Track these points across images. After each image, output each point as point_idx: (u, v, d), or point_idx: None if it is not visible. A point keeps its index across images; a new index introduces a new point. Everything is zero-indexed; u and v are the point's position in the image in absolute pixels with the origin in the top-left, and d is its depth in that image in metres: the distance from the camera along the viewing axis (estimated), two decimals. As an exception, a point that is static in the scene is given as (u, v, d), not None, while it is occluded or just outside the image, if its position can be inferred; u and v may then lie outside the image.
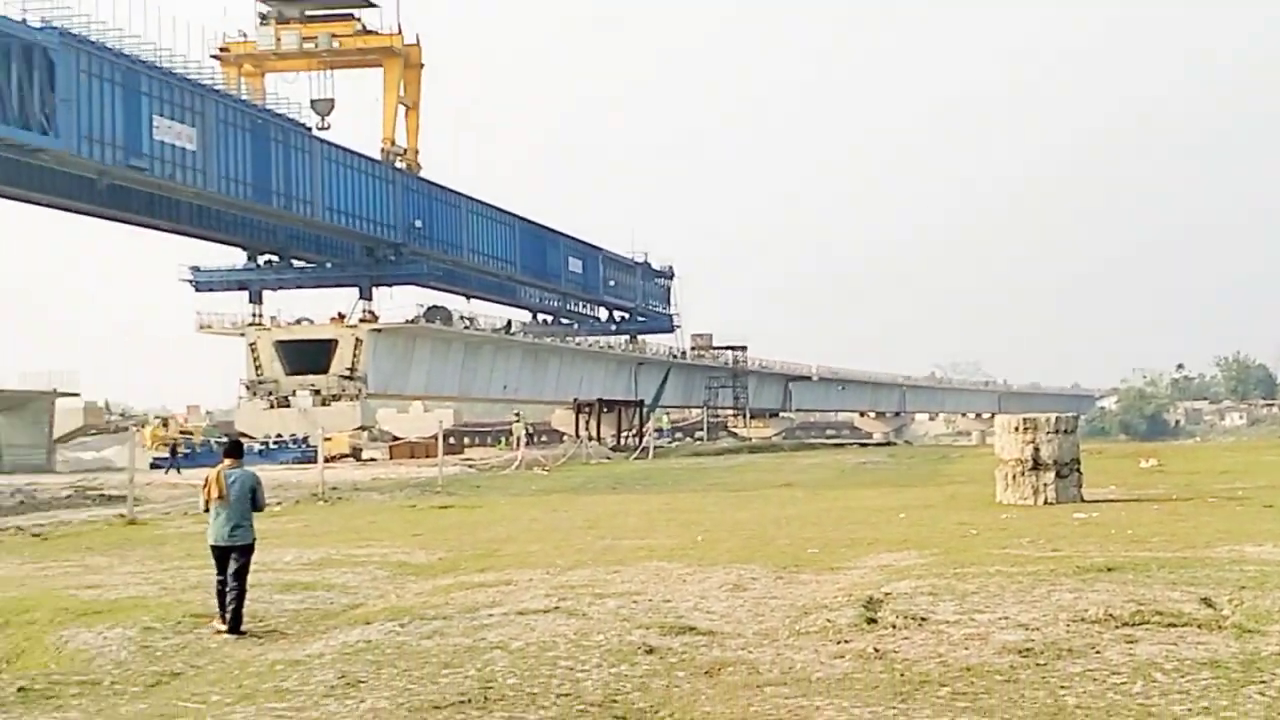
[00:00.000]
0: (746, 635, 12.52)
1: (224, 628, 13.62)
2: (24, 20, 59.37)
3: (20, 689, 11.32)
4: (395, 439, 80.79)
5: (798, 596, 14.97)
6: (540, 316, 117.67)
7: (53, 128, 60.13)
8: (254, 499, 14.20)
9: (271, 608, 15.32)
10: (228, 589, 13.75)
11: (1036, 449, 26.93)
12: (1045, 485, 26.84)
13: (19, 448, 66.20)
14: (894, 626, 12.65)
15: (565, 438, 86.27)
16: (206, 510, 14.34)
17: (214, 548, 14.04)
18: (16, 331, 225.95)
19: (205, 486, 14.21)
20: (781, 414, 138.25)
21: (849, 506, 30.56)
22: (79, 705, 10.71)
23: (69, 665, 12.57)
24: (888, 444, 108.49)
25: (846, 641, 11.99)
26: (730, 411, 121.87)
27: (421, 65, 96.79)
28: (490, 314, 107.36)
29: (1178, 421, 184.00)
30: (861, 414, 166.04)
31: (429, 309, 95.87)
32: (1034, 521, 23.21)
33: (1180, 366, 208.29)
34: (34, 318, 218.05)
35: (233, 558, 13.88)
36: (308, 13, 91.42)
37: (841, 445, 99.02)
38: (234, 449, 15.06)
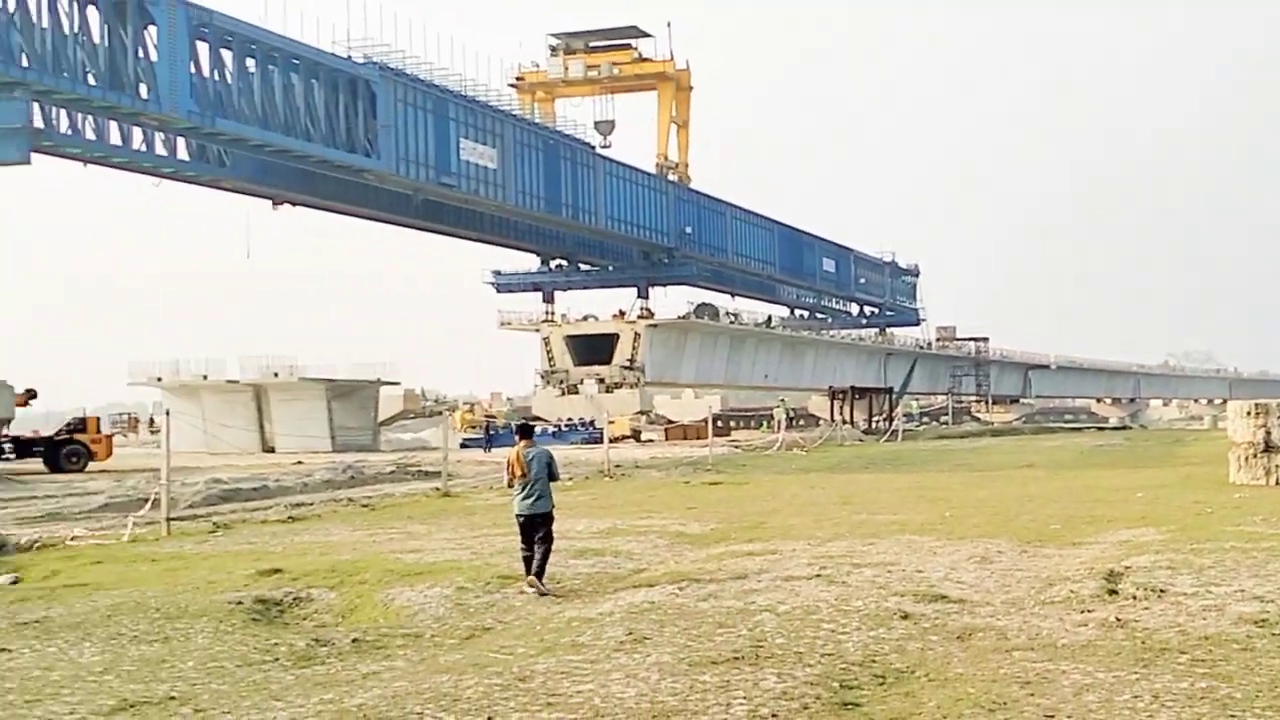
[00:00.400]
0: (995, 604, 12.74)
1: (529, 588, 14.65)
2: (349, 58, 62.83)
3: (354, 640, 12.23)
4: (670, 422, 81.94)
5: (1042, 569, 15.15)
6: (797, 312, 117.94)
7: (375, 151, 63.26)
8: (550, 472, 15.24)
9: (567, 571, 16.05)
10: (535, 550, 14.83)
11: (1268, 432, 26.92)
12: (1276, 466, 26.76)
13: (349, 429, 69.20)
14: (1134, 598, 12.76)
15: (821, 422, 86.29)
16: (510, 487, 15.44)
17: (519, 518, 15.12)
18: (346, 327, 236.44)
19: (508, 467, 15.29)
20: (1021, 400, 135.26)
21: (1088, 486, 30.38)
22: (404, 655, 11.51)
23: (395, 620, 13.37)
24: (1123, 428, 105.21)
25: (1089, 611, 12.14)
26: (973, 398, 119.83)
27: (691, 88, 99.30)
28: (752, 310, 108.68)
29: None
30: (1098, 400, 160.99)
31: (698, 306, 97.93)
32: (1266, 501, 23.02)
33: None
34: (360, 316, 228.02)
35: (537, 525, 14.99)
36: (591, 44, 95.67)
37: (1079, 429, 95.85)
38: (525, 430, 16.27)
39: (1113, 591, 13.24)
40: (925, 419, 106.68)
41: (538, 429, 72.45)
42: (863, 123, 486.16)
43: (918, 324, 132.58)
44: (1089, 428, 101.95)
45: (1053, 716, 8.30)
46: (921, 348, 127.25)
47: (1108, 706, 8.53)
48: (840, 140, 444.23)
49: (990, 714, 8.42)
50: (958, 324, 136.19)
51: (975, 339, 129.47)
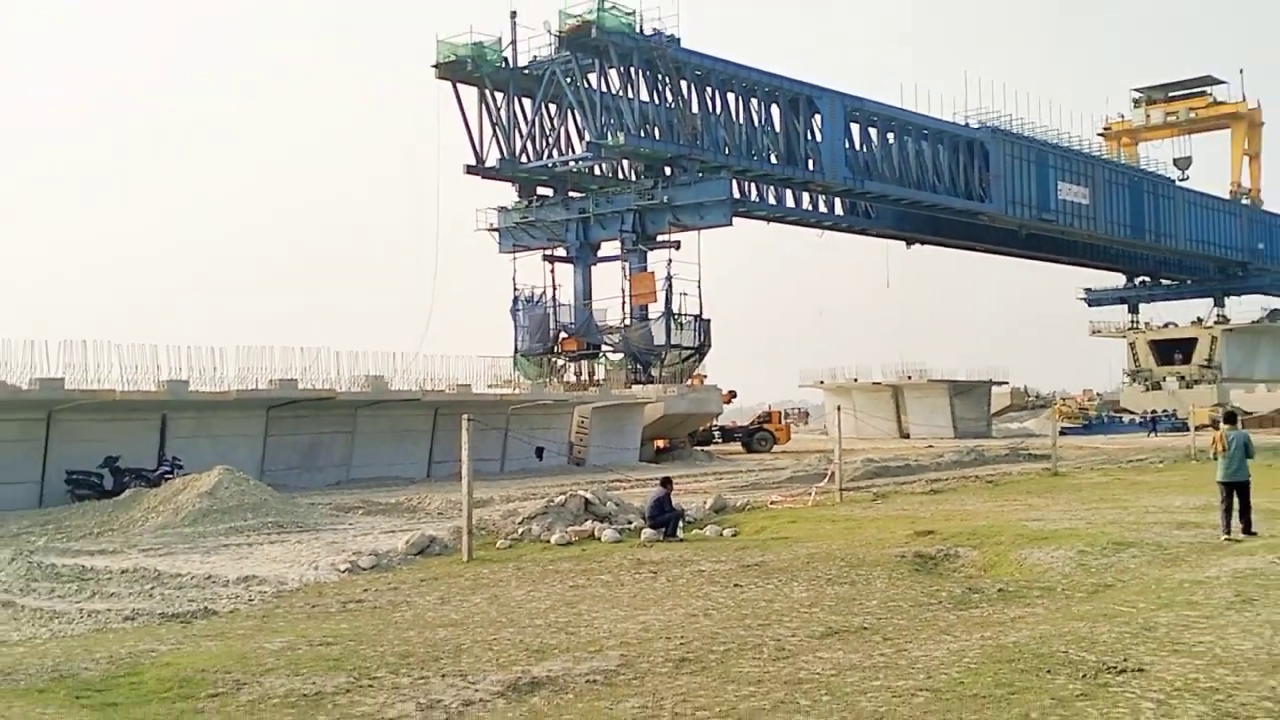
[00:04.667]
0: None
1: (1232, 538, 14.98)
2: (966, 124, 62.95)
3: (999, 590, 12.19)
4: (1247, 414, 74.58)
5: None
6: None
7: (988, 197, 62.99)
8: (1247, 450, 15.55)
9: (1170, 540, 15.12)
10: (1237, 510, 15.35)
11: None
12: None
13: (968, 420, 68.54)
14: None
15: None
16: (1214, 459, 16.05)
17: (1221, 484, 15.53)
18: (961, 344, 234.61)
19: (1213, 443, 15.98)
20: None
21: None
22: (1042, 603, 11.34)
23: (1029, 575, 13.16)
24: None
25: None
26: None
27: (1262, 123, 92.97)
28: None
29: None
30: None
31: (1271, 312, 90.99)
32: None
33: None
34: (976, 336, 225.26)
35: (1235, 490, 15.36)
36: (1170, 94, 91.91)
37: None
38: (1230, 418, 16.58)
39: None
40: None
41: (1122, 418, 68.86)
42: None
43: None
44: None
45: None
46: None
47: None
48: None
49: None
50: None
51: None
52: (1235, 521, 15.36)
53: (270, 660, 9.32)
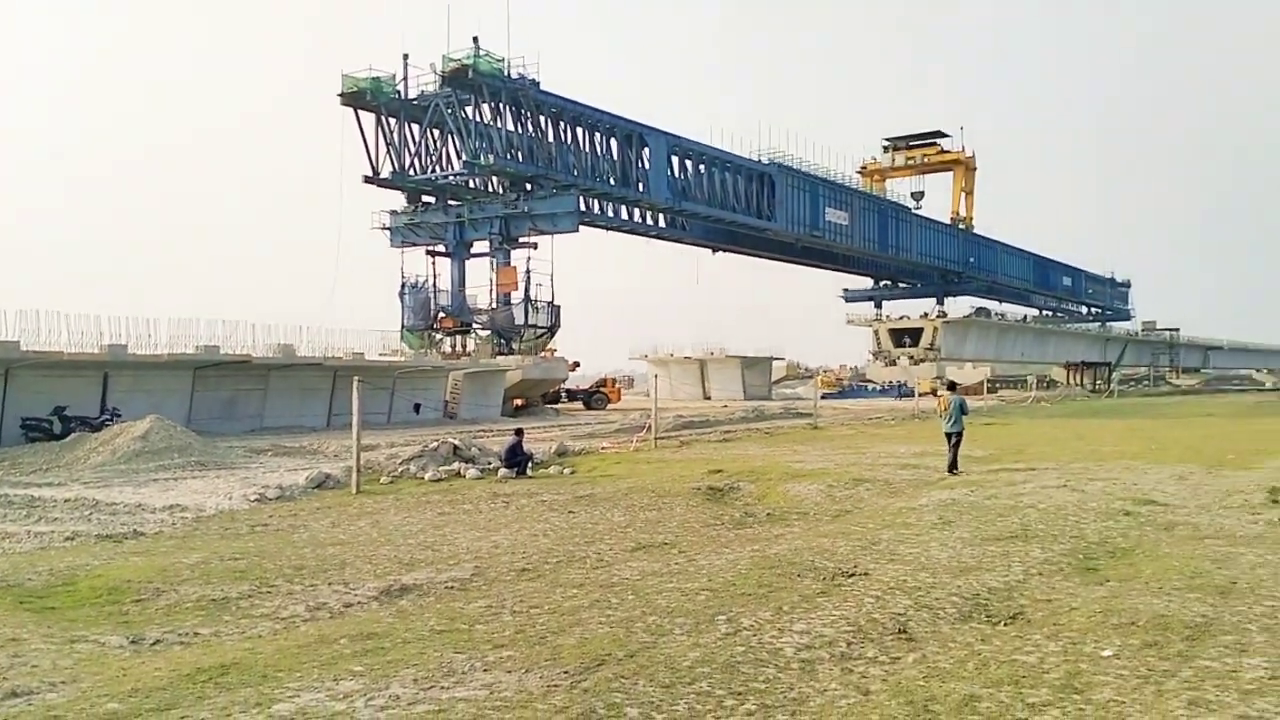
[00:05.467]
0: (1190, 507, 11.88)
1: (956, 473, 16.12)
2: (759, 160, 63.86)
3: (768, 514, 12.53)
4: (960, 384, 78.69)
5: (1222, 485, 13.91)
6: (1044, 312, 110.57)
7: (773, 217, 64.07)
8: (963, 409, 16.82)
9: (895, 478, 15.74)
10: (950, 452, 16.58)
11: None
12: None
13: (755, 386, 70.05)
14: None
15: (1059, 385, 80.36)
16: (940, 416, 17.40)
17: (946, 434, 16.81)
18: (753, 328, 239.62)
19: (939, 403, 17.48)
20: (1201, 370, 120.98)
21: (1252, 428, 27.98)
22: (799, 525, 11.71)
23: (791, 503, 13.54)
24: (1276, 389, 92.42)
25: (1258, 514, 11.20)
26: (1167, 369, 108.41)
27: (975, 168, 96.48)
28: (1013, 310, 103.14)
29: None
30: (1257, 370, 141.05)
31: (976, 310, 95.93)
32: None
33: None
34: (758, 321, 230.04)
35: (952, 438, 16.60)
36: (911, 144, 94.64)
37: (1243, 391, 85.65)
38: (951, 386, 18.27)
39: (1275, 501, 12.13)
40: (1132, 383, 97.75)
41: (867, 387, 71.30)
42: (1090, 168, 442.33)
43: (1129, 319, 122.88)
44: (1252, 389, 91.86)
45: (1235, 583, 7.73)
46: (1131, 335, 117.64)
47: (1275, 577, 7.89)
48: (1082, 181, 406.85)
49: (1190, 579, 7.90)
50: (1157, 318, 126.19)
51: (1170, 329, 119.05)
52: (962, 461, 16.71)
53: (186, 573, 8.93)
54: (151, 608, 7.67)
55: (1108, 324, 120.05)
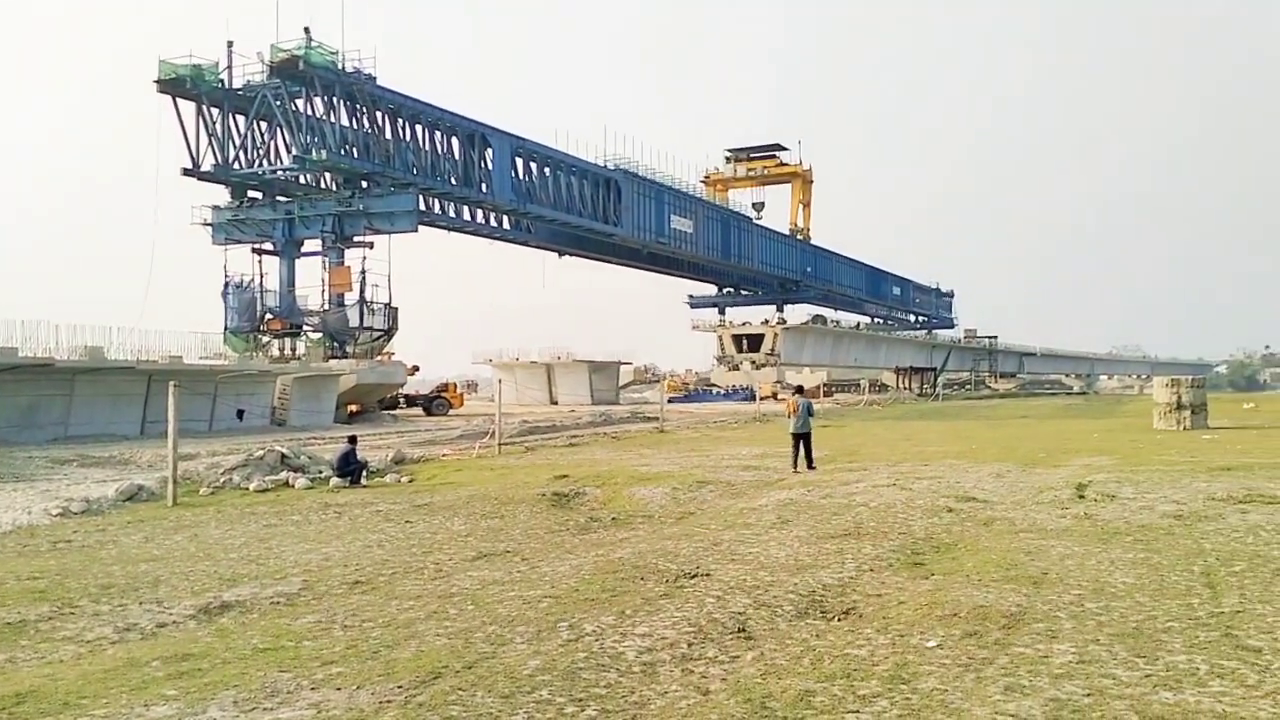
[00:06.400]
0: (1006, 503, 12.54)
1: (798, 472, 16.81)
2: (605, 165, 64.36)
3: (613, 519, 12.55)
4: (796, 388, 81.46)
5: (1035, 482, 14.81)
6: (875, 319, 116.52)
7: (619, 223, 64.67)
8: (810, 411, 17.60)
9: (736, 479, 16.07)
10: (799, 455, 17.33)
11: (1179, 396, 27.78)
12: (1184, 418, 27.47)
13: (602, 390, 70.31)
14: (1095, 500, 12.50)
15: (889, 389, 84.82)
16: (788, 418, 18.05)
17: (792, 435, 17.56)
18: (601, 333, 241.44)
19: (788, 407, 18.11)
20: (1018, 375, 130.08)
21: (1062, 429, 29.90)
22: (643, 528, 11.77)
23: (636, 507, 13.61)
24: (1083, 394, 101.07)
25: (1066, 508, 11.92)
26: (987, 374, 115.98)
27: (812, 181, 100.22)
28: (848, 319, 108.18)
29: (1265, 381, 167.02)
30: (1066, 375, 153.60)
31: (814, 317, 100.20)
32: (1178, 440, 22.84)
33: (1268, 347, 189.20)
34: (607, 325, 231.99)
35: (801, 440, 17.38)
36: (752, 155, 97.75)
37: (1054, 394, 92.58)
38: (799, 390, 18.78)
39: (1081, 496, 13.00)
40: (956, 387, 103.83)
41: (712, 391, 73.06)
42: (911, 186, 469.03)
43: (953, 327, 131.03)
44: (1061, 393, 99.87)
45: (1046, 573, 8.22)
46: (955, 342, 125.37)
47: (1081, 567, 8.43)
48: (903, 197, 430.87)
49: (1006, 571, 8.37)
50: (978, 325, 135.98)
51: (989, 337, 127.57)
52: (802, 461, 17.27)
53: (-26, 597, 8.22)
54: (-67, 636, 7.01)
55: (934, 331, 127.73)
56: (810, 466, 17.16)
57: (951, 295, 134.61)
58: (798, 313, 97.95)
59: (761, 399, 53.67)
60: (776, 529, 10.91)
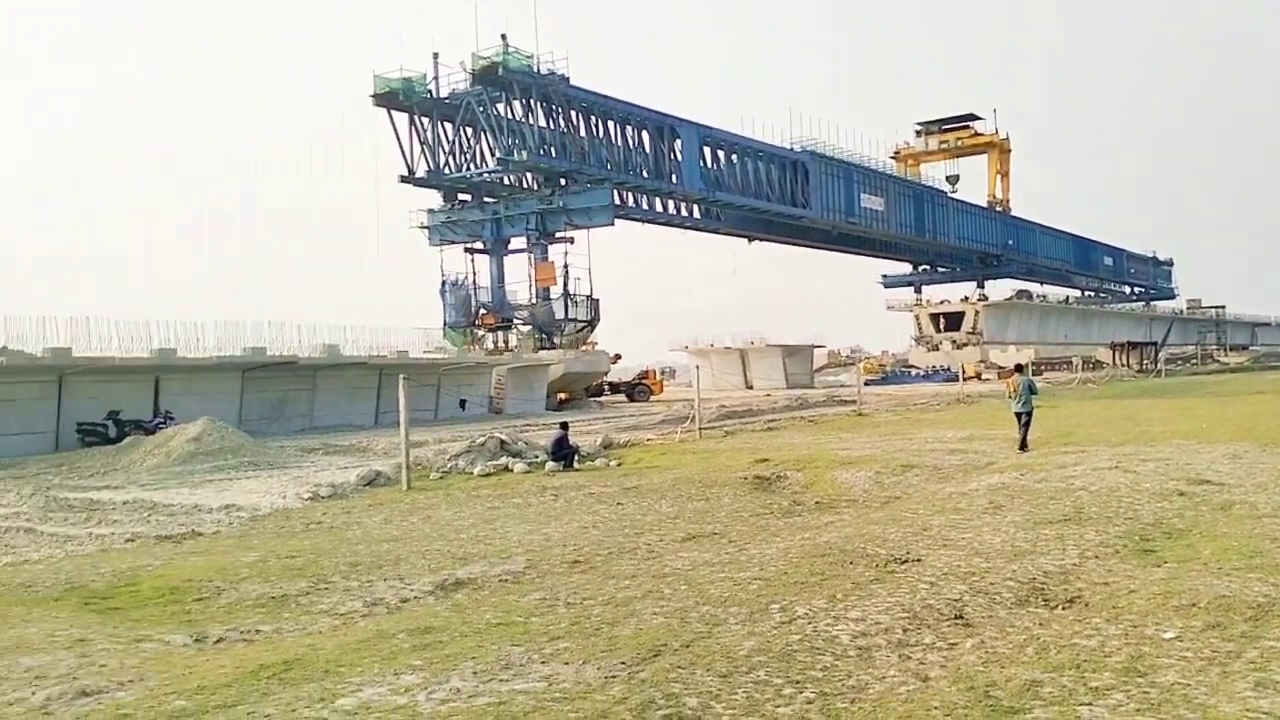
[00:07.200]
0: (1245, 486, 11.59)
1: (1025, 452, 16.51)
2: (792, 148, 63.56)
3: (816, 502, 12.36)
4: (1000, 368, 77.44)
5: (1278, 462, 13.57)
6: (1086, 293, 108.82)
7: (808, 204, 63.75)
8: (1031, 389, 17.48)
9: (943, 463, 15.57)
10: (1019, 431, 17.17)
11: None
12: None
13: (796, 374, 69.66)
14: None
15: (1105, 366, 78.88)
16: (1009, 397, 17.99)
17: (1016, 413, 17.48)
18: (791, 316, 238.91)
19: (1008, 385, 18.26)
20: (1250, 347, 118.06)
21: None
22: (848, 512, 11.61)
23: (839, 491, 13.46)
24: None
25: None
26: (1215, 346, 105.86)
27: (1010, 150, 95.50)
28: (1055, 293, 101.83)
29: None
30: None
31: (1018, 292, 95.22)
32: None
33: None
34: (801, 309, 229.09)
35: (1022, 418, 17.19)
36: (944, 127, 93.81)
37: None
38: (1019, 369, 19.00)
39: (1340, 480, 11.73)
40: (1180, 362, 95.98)
41: (910, 372, 70.92)
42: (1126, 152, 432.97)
43: (1173, 298, 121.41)
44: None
45: (1299, 565, 7.49)
46: (1176, 314, 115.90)
47: (1343, 560, 7.62)
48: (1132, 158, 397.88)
49: (1250, 558, 7.72)
50: (1202, 295, 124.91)
51: (1216, 307, 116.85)
52: (1029, 438, 17.10)
53: (245, 571, 9.10)
54: (213, 606, 7.82)
55: (1152, 303, 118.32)
56: (1023, 448, 16.37)
57: (1170, 264, 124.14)
58: (1000, 289, 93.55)
59: (965, 379, 51.48)
60: (989, 514, 10.47)
